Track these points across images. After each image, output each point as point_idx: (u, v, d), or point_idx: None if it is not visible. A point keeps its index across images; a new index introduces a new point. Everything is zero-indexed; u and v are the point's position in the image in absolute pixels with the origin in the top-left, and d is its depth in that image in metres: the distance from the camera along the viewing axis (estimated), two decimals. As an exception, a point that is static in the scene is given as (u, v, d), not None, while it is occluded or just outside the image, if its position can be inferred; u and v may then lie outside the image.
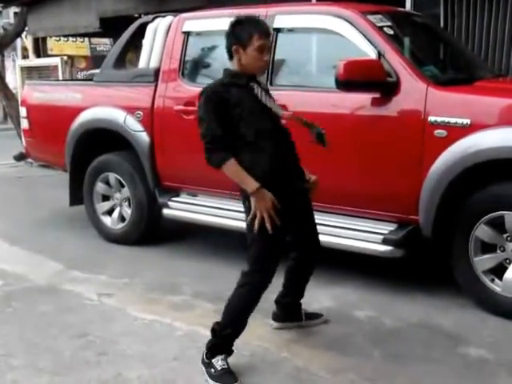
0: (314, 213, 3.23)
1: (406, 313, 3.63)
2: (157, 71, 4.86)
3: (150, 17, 5.27)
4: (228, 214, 4.38)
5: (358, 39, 3.90)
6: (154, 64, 4.95)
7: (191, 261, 4.66)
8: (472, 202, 3.54)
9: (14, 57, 15.82)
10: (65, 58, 10.36)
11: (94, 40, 13.70)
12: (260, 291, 2.95)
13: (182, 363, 3.08)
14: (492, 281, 3.56)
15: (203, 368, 2.93)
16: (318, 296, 3.73)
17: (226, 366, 2.89)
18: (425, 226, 3.69)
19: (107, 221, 5.27)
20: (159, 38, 4.96)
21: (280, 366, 3.03)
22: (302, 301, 3.41)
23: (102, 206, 5.31)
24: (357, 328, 3.46)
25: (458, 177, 3.52)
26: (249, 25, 2.89)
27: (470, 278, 3.61)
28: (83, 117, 5.24)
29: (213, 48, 4.73)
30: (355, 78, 3.58)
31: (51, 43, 12.58)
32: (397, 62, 3.75)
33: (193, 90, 4.56)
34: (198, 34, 4.78)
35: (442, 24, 5.98)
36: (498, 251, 3.54)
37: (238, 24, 2.90)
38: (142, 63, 5.12)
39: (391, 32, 3.96)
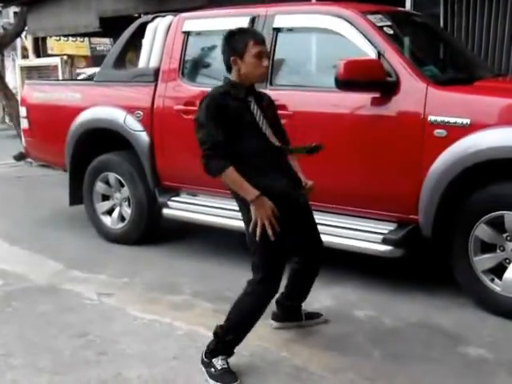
0: (314, 213, 3.22)
1: (405, 312, 3.63)
2: (157, 71, 4.86)
3: (150, 16, 5.26)
4: (228, 213, 4.37)
5: (357, 39, 3.90)
6: (153, 64, 4.95)
7: (191, 261, 4.66)
8: (472, 202, 3.54)
9: (13, 56, 15.81)
10: (65, 57, 10.39)
11: (94, 40, 13.71)
12: (265, 301, 2.95)
13: (181, 363, 3.08)
14: (492, 280, 3.56)
15: (203, 368, 2.93)
16: (317, 296, 3.72)
17: (226, 366, 2.89)
18: (424, 225, 3.69)
19: (107, 220, 5.27)
20: (159, 38, 4.96)
21: (280, 366, 3.03)
22: (302, 301, 3.42)
23: (102, 206, 5.31)
24: (356, 327, 3.46)
25: (457, 176, 3.52)
26: (242, 34, 2.90)
27: (469, 278, 3.61)
28: (83, 116, 5.24)
29: (213, 48, 4.71)
30: (355, 77, 3.58)
31: (51, 43, 12.58)
32: (397, 62, 3.75)
33: (193, 89, 4.58)
34: (198, 33, 4.78)
35: (441, 24, 5.99)
36: (498, 251, 3.54)
37: (232, 36, 2.90)
38: (141, 63, 5.12)
39: (391, 32, 3.96)
